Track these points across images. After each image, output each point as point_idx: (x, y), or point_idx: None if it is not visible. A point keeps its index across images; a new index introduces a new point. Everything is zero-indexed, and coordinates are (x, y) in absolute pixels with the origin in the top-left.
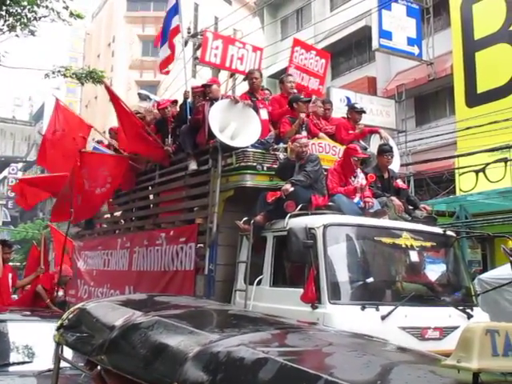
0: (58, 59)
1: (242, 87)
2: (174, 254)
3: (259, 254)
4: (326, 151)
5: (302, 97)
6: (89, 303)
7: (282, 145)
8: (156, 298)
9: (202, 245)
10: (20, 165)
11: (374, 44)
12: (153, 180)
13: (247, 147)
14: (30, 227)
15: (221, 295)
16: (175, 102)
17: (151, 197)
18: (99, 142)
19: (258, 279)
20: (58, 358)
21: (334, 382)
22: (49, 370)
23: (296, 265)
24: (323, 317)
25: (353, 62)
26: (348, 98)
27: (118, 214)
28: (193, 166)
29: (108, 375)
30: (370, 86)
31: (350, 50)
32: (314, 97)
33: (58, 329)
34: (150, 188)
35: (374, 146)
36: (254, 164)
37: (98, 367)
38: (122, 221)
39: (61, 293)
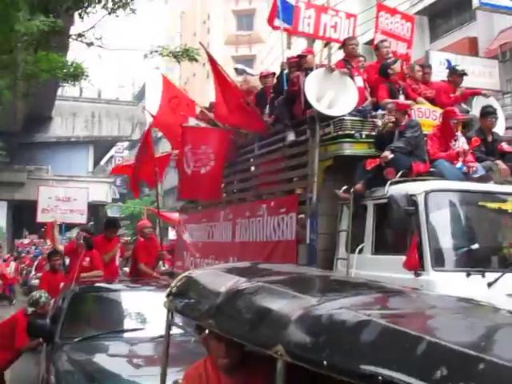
0: (156, 39)
1: (337, 56)
2: (276, 225)
3: (360, 222)
4: (426, 116)
5: (389, 62)
6: (195, 271)
7: (380, 112)
8: (259, 266)
9: (302, 215)
10: (126, 144)
11: (475, 2)
12: (252, 152)
13: (345, 115)
14: (138, 203)
15: (322, 264)
16: (274, 74)
17: (251, 169)
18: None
19: (359, 247)
20: (169, 323)
21: (436, 344)
22: (160, 337)
23: (398, 232)
24: (427, 284)
25: (452, 22)
26: (448, 61)
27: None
28: (291, 136)
29: (212, 339)
30: (472, 47)
31: (449, 11)
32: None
33: (168, 296)
34: (249, 160)
35: (476, 108)
36: (352, 132)
37: (206, 331)
38: (225, 193)
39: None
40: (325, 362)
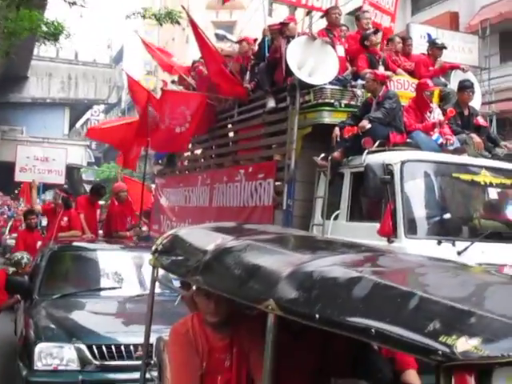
0: (136, 1)
1: (318, 25)
2: (253, 190)
3: (336, 189)
4: (405, 88)
5: (370, 31)
6: (181, 230)
7: (359, 81)
8: (245, 226)
9: (279, 182)
10: (102, 107)
11: None
12: (231, 118)
13: (325, 84)
14: (113, 167)
15: (298, 230)
16: (255, 40)
17: (230, 134)
18: (173, 82)
19: (334, 214)
20: (154, 280)
21: (428, 299)
22: (137, 296)
23: (373, 200)
24: (399, 250)
25: None
26: (429, 35)
27: (198, 151)
28: (271, 103)
29: (200, 296)
30: (452, 22)
31: None
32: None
33: (153, 253)
34: (228, 126)
35: (454, 82)
36: (332, 101)
37: (194, 288)
38: (202, 159)
39: (144, 228)
40: (317, 316)
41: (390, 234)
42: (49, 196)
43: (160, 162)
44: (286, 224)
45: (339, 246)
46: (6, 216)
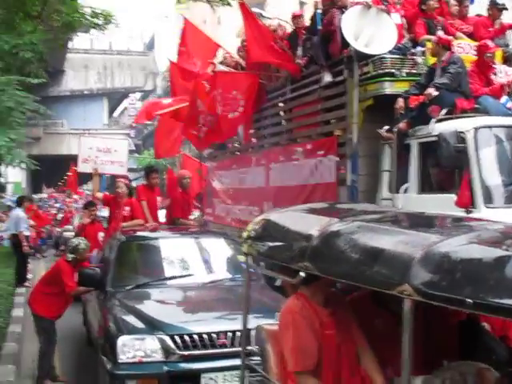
0: None
1: None
2: (313, 167)
3: (403, 161)
4: (466, 51)
5: None
6: (271, 214)
7: (419, 48)
8: (339, 206)
9: (337, 158)
10: (138, 95)
11: None
12: (284, 95)
13: (384, 54)
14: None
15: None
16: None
17: (281, 113)
18: (221, 63)
19: (404, 187)
20: (248, 267)
21: None
22: (210, 282)
23: (445, 170)
24: None
25: None
26: None
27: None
28: (327, 77)
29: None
30: None
31: None
32: None
33: (246, 240)
34: (281, 104)
35: None
36: (393, 71)
37: (301, 274)
38: (255, 139)
39: (197, 212)
40: (470, 301)
41: (468, 205)
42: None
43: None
44: (352, 200)
45: (457, 221)
46: (55, 210)
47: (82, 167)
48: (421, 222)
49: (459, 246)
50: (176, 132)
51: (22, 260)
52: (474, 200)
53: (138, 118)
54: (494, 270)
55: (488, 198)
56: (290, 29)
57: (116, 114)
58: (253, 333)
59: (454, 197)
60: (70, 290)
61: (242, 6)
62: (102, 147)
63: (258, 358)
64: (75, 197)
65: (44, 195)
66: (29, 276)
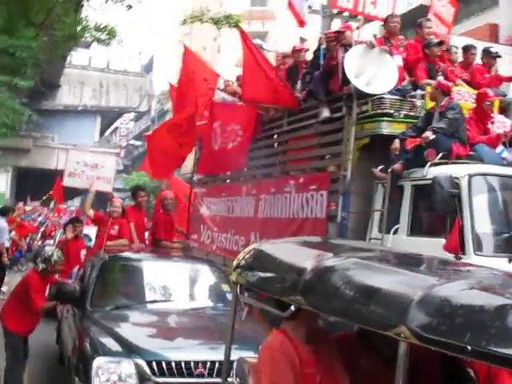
0: (169, 10)
1: (368, 31)
2: (304, 202)
3: (395, 202)
4: (465, 99)
5: (435, 41)
6: (263, 244)
7: (419, 91)
8: (332, 242)
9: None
10: (132, 115)
11: None
12: (280, 128)
13: (384, 94)
14: (143, 175)
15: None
16: (307, 49)
17: (275, 144)
18: (222, 90)
19: (394, 228)
20: (236, 296)
21: None
22: (192, 309)
23: (436, 214)
24: None
25: (473, 7)
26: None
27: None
28: (325, 113)
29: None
30: (492, 34)
31: None
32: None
33: (235, 268)
34: (276, 135)
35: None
36: (391, 111)
37: (292, 307)
38: (247, 168)
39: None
40: (469, 347)
41: (458, 251)
42: (77, 202)
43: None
44: (341, 237)
45: (455, 265)
46: (37, 223)
47: (68, 181)
48: (418, 262)
49: (460, 291)
50: (169, 153)
51: None
52: (464, 246)
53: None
54: (496, 319)
55: (478, 246)
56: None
57: (108, 132)
58: (234, 365)
59: (443, 241)
60: (37, 308)
61: (242, 33)
62: (90, 162)
63: None
64: (58, 213)
65: (28, 208)
66: (3, 289)
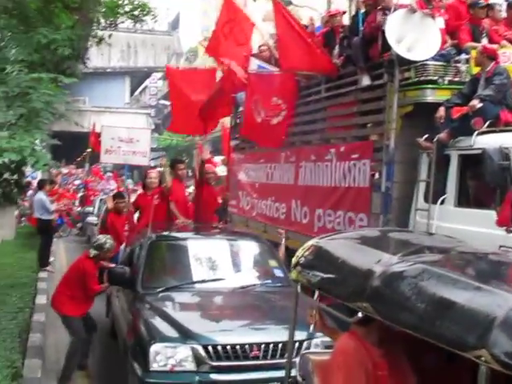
0: None
1: None
2: (346, 171)
3: (440, 172)
4: (511, 61)
5: (481, 1)
6: (322, 240)
7: (463, 56)
8: (393, 236)
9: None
10: (160, 74)
11: None
12: (319, 94)
13: (427, 60)
14: (174, 134)
15: (397, 214)
16: (344, 12)
17: (314, 112)
18: (254, 55)
19: (441, 199)
20: (297, 295)
21: None
22: (242, 287)
23: (485, 186)
24: None
25: None
26: None
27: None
28: (366, 80)
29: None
30: None
31: None
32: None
33: (295, 266)
34: (314, 102)
35: None
36: (435, 78)
37: (359, 314)
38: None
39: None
40: None
41: (510, 224)
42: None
43: (237, 136)
44: (385, 207)
45: None
46: (74, 187)
47: (104, 158)
48: (496, 271)
49: None
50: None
51: (45, 243)
52: None
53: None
54: None
55: None
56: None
57: (137, 92)
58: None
59: (493, 214)
60: (94, 293)
61: (275, 1)
62: (125, 137)
63: None
64: (95, 175)
65: (64, 170)
66: (51, 259)
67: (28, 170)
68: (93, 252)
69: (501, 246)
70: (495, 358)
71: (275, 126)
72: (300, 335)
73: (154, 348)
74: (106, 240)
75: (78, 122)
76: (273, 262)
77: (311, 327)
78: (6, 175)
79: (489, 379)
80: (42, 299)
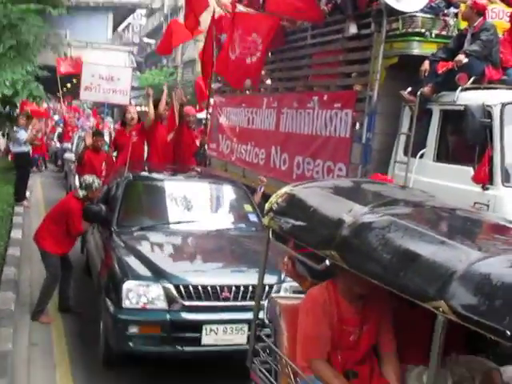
0: None
1: None
2: (328, 120)
3: (422, 126)
4: (500, 17)
5: None
6: (296, 188)
7: (452, 10)
8: (367, 187)
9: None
10: (144, 11)
11: None
12: (304, 40)
13: (416, 12)
14: (156, 74)
15: (376, 165)
16: None
17: (298, 58)
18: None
19: (420, 153)
20: (268, 241)
21: None
22: (216, 230)
23: (465, 142)
24: (494, 199)
25: None
26: None
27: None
28: (353, 29)
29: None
30: None
31: None
32: None
33: (268, 212)
34: (299, 49)
35: None
36: (423, 30)
37: (326, 262)
38: (269, 80)
39: None
40: (508, 332)
41: (486, 181)
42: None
43: (219, 79)
44: (365, 158)
45: (508, 233)
46: (53, 122)
47: (85, 95)
48: (463, 227)
49: (504, 268)
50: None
51: (21, 177)
52: (492, 177)
53: (161, 49)
54: None
55: (506, 177)
56: None
57: (120, 28)
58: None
59: (471, 170)
60: (78, 233)
61: None
62: (105, 75)
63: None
64: (74, 112)
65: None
66: (27, 194)
67: None
68: (81, 192)
69: (475, 203)
70: (452, 309)
71: (249, 66)
72: (270, 279)
73: (127, 285)
74: (94, 179)
75: (59, 50)
76: (248, 207)
77: (282, 273)
78: None
79: (445, 328)
80: (17, 234)
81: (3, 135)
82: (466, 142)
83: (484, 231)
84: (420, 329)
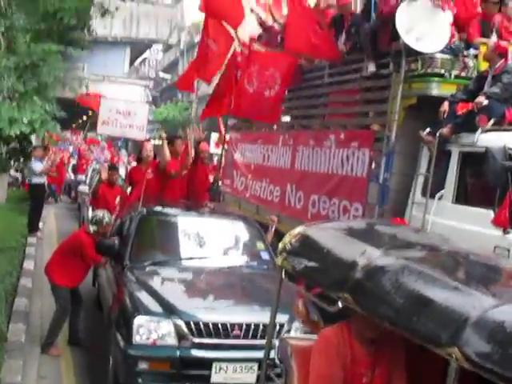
0: None
1: None
2: (344, 158)
3: (440, 167)
4: None
5: None
6: (309, 228)
7: (472, 51)
8: (381, 229)
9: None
10: (160, 46)
11: None
12: (321, 79)
13: (435, 52)
14: (171, 108)
15: (394, 205)
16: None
17: (318, 95)
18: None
19: (439, 194)
20: (281, 280)
21: None
22: (228, 267)
23: (485, 184)
24: None
25: None
26: None
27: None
28: (371, 67)
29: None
30: None
31: None
32: None
33: (281, 252)
34: (316, 87)
35: None
36: (442, 71)
37: (339, 304)
38: (287, 117)
39: None
40: None
41: (507, 225)
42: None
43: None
44: (382, 198)
45: None
46: (68, 153)
47: (102, 129)
48: (478, 272)
49: None
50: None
51: (35, 208)
52: None
53: (180, 85)
54: None
55: None
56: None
57: (137, 62)
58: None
59: (491, 213)
60: (97, 264)
61: None
62: (122, 110)
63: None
64: (89, 144)
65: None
66: (40, 225)
67: None
68: (92, 228)
69: (496, 247)
70: (466, 356)
71: (268, 99)
72: (281, 318)
73: (138, 321)
74: (104, 215)
75: (76, 88)
76: (260, 245)
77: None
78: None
79: (458, 375)
80: (29, 264)
81: (16, 170)
82: (487, 184)
83: (499, 277)
84: (431, 373)
